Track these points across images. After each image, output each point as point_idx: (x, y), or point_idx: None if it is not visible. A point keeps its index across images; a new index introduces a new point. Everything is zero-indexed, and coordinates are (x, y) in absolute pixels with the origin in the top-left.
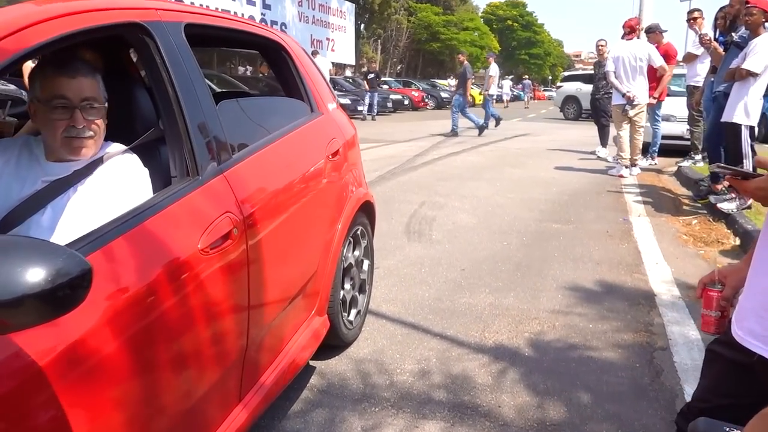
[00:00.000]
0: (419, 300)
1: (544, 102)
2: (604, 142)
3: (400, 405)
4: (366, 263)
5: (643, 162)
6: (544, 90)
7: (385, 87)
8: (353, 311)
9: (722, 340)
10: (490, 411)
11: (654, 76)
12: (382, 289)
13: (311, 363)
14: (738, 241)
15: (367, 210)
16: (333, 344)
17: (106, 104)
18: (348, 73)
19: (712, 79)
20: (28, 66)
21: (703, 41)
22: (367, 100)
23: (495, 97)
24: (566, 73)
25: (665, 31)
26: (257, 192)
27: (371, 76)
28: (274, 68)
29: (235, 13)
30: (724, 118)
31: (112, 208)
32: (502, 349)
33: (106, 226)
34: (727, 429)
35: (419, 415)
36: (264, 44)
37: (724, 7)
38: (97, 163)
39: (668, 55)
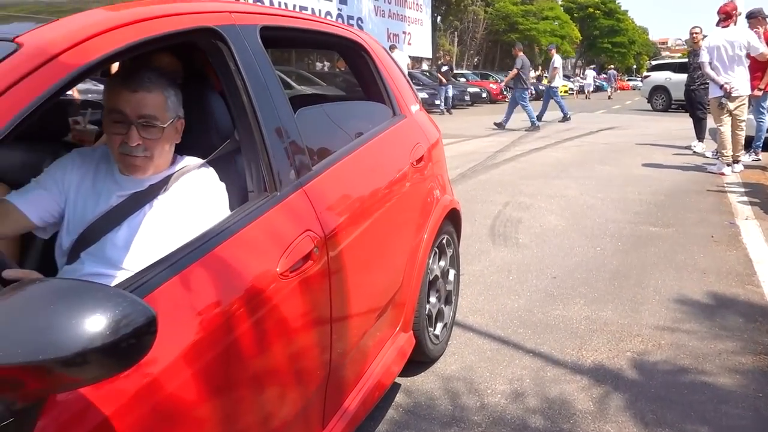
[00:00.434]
0: (508, 311)
1: (628, 92)
2: (701, 136)
3: (493, 431)
4: (452, 273)
5: (745, 158)
6: (629, 80)
7: (462, 80)
8: (439, 324)
9: None
10: None
11: (760, 66)
12: (468, 299)
13: (396, 379)
14: None
15: (453, 218)
16: (418, 360)
17: (178, 120)
18: (425, 66)
19: None
20: (115, 68)
21: None
22: (442, 94)
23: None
24: (654, 62)
25: None
26: (338, 206)
27: (445, 68)
28: (354, 69)
29: (312, 9)
30: None
31: (189, 226)
32: (603, 370)
33: (181, 250)
34: None
35: None
36: (343, 44)
37: None
38: (173, 177)
39: None
